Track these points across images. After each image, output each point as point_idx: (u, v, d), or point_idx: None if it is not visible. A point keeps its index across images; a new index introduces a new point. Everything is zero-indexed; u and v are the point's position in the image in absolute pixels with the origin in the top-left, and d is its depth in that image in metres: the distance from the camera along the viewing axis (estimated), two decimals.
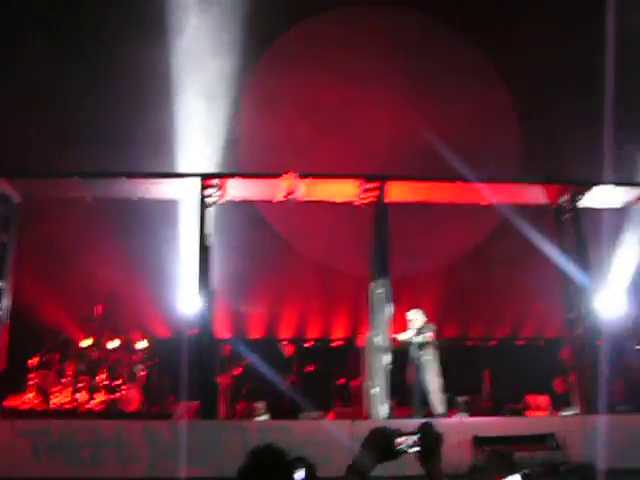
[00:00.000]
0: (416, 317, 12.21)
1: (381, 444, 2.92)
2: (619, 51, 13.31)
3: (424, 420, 3.03)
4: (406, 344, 12.16)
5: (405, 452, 2.94)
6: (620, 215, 14.14)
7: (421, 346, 12.01)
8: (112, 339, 13.49)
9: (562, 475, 9.75)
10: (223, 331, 14.93)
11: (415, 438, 2.93)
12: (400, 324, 12.36)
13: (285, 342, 14.54)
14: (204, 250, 11.71)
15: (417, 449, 2.94)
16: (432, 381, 11.81)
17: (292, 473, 3.28)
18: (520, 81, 17.05)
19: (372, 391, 11.24)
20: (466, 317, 14.73)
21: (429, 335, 12.02)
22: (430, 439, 2.93)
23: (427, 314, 12.46)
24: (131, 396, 12.88)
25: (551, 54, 16.50)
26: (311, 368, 14.11)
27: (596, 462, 8.63)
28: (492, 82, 17.16)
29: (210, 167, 13.37)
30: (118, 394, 12.88)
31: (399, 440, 2.93)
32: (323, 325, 16.82)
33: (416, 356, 12.06)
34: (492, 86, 17.26)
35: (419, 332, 12.09)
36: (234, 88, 15.97)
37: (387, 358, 11.31)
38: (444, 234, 15.61)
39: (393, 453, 2.93)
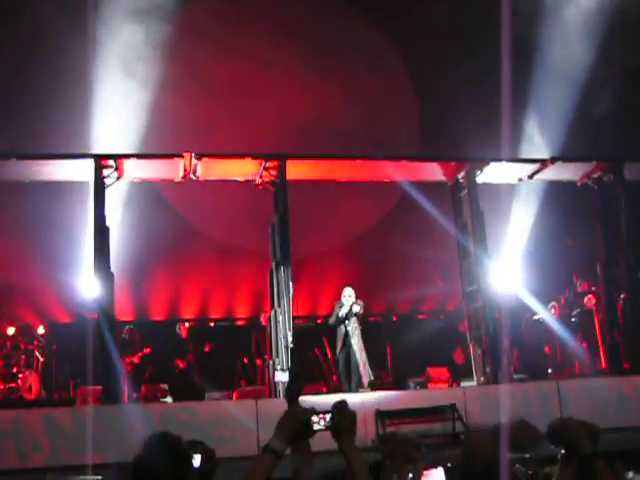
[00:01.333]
0: (350, 293, 12.41)
1: (296, 423, 2.93)
2: (516, 30, 13.61)
3: (338, 399, 3.06)
4: (337, 320, 12.37)
5: (320, 430, 2.97)
6: (515, 190, 14.56)
7: (353, 321, 12.29)
8: (8, 325, 13.08)
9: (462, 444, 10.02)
10: (124, 314, 14.70)
11: (329, 416, 2.96)
12: (303, 302, 12.44)
13: (181, 323, 14.29)
14: (102, 232, 11.44)
15: (330, 427, 2.97)
16: (362, 353, 12.11)
17: (188, 460, 3.25)
18: (418, 60, 17.28)
19: (276, 369, 11.27)
20: (368, 293, 14.89)
21: (360, 309, 12.36)
22: (344, 417, 2.96)
23: (329, 292, 12.64)
24: (30, 384, 12.54)
25: (449, 32, 16.77)
26: (214, 348, 13.98)
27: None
28: (391, 60, 17.35)
29: (106, 147, 13.06)
30: (16, 382, 12.52)
31: (314, 419, 2.95)
32: (226, 305, 16.75)
33: (348, 330, 12.30)
34: (391, 64, 17.45)
35: (351, 307, 12.34)
36: (131, 67, 15.66)
37: (289, 336, 11.35)
38: (346, 212, 15.76)
39: (308, 432, 2.95)
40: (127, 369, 12.79)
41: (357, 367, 12.10)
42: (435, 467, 3.36)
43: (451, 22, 16.55)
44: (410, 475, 3.20)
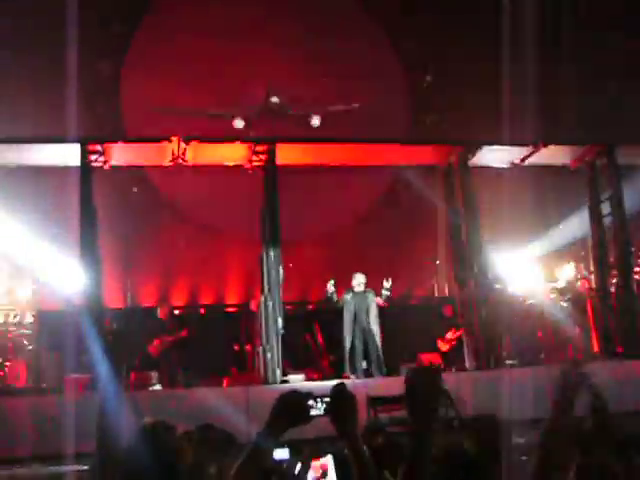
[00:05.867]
0: (361, 280, 12.30)
1: (292, 408, 2.79)
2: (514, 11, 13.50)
3: (336, 382, 2.93)
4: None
5: (318, 416, 2.82)
6: (508, 174, 14.41)
7: (371, 309, 12.17)
8: None
9: (456, 430, 9.92)
10: (114, 301, 14.54)
11: (327, 401, 2.82)
12: (294, 287, 12.28)
13: (163, 304, 13.96)
14: (89, 218, 11.29)
15: (328, 412, 2.83)
16: (379, 344, 12.11)
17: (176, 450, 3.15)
18: (409, 40, 17.15)
19: (266, 356, 11.16)
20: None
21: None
22: (342, 401, 2.83)
23: (320, 276, 12.52)
24: (17, 372, 12.38)
25: (443, 11, 16.66)
26: (194, 333, 13.66)
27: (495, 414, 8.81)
28: (382, 42, 17.21)
29: (93, 132, 12.90)
30: (3, 370, 12.36)
31: (311, 403, 2.81)
32: (217, 291, 16.59)
33: (365, 318, 12.18)
34: (382, 46, 17.31)
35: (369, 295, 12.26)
36: (116, 53, 15.54)
37: (280, 322, 11.23)
38: (336, 196, 15.63)
39: (305, 417, 2.81)
40: (154, 351, 12.66)
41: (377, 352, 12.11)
42: (324, 455, 3.26)
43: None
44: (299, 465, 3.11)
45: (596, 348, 13.23)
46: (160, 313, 13.28)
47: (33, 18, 14.47)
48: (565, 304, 14.10)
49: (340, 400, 2.82)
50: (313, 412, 2.80)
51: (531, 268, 14.91)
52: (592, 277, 13.68)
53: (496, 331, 12.30)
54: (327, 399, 2.82)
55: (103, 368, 10.58)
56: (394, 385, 10.87)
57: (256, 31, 16.37)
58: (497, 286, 13.70)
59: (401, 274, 15.64)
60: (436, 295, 16.49)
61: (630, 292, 12.87)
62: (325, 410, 2.81)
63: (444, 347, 13.91)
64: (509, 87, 13.74)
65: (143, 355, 12.87)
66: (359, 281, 12.27)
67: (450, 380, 11.04)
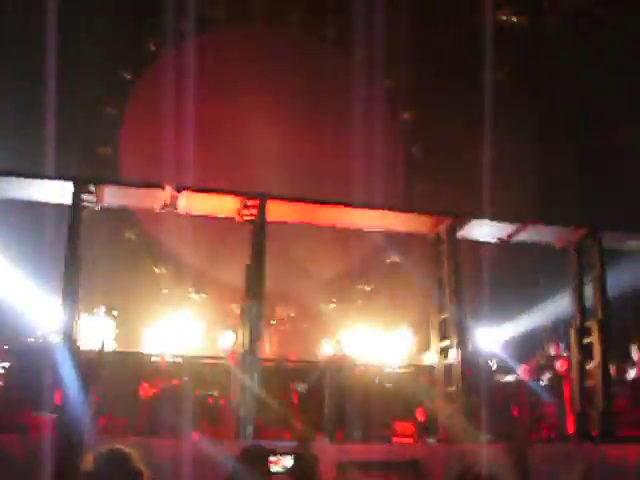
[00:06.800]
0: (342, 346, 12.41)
1: (255, 463, 2.75)
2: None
3: (300, 442, 2.90)
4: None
5: (278, 474, 2.79)
6: (495, 249, 14.50)
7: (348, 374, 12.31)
8: None
9: None
10: (89, 342, 14.36)
11: (290, 458, 2.79)
12: (272, 344, 12.20)
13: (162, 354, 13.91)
14: (73, 256, 11.22)
15: (290, 471, 2.80)
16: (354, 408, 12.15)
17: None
18: (404, 110, 17.40)
19: (239, 411, 11.02)
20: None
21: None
22: (306, 460, 2.80)
23: (302, 336, 12.51)
24: None
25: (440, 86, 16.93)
26: (182, 384, 13.55)
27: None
28: (378, 110, 17.41)
29: (87, 172, 12.93)
30: None
31: (273, 459, 2.78)
32: (196, 341, 16.41)
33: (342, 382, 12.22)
34: (378, 114, 17.51)
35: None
36: (117, 98, 15.68)
37: (257, 378, 11.11)
38: (323, 255, 15.65)
39: (265, 473, 2.77)
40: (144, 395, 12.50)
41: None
42: None
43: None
44: None
45: (571, 429, 13.13)
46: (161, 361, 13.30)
47: (36, 59, 14.59)
48: (543, 383, 14.06)
49: (302, 459, 2.80)
50: (274, 469, 2.77)
51: (511, 344, 14.91)
52: (571, 357, 13.65)
53: (472, 404, 12.21)
54: (290, 457, 2.80)
55: (74, 408, 10.42)
56: (366, 451, 10.77)
57: (253, 88, 16.60)
58: (477, 359, 13.67)
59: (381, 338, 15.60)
60: (416, 363, 16.38)
61: (607, 375, 12.84)
62: (287, 468, 2.79)
63: (421, 417, 13.80)
64: (500, 165, 13.93)
65: (124, 400, 12.70)
66: (337, 346, 12.34)
67: (422, 451, 10.93)
